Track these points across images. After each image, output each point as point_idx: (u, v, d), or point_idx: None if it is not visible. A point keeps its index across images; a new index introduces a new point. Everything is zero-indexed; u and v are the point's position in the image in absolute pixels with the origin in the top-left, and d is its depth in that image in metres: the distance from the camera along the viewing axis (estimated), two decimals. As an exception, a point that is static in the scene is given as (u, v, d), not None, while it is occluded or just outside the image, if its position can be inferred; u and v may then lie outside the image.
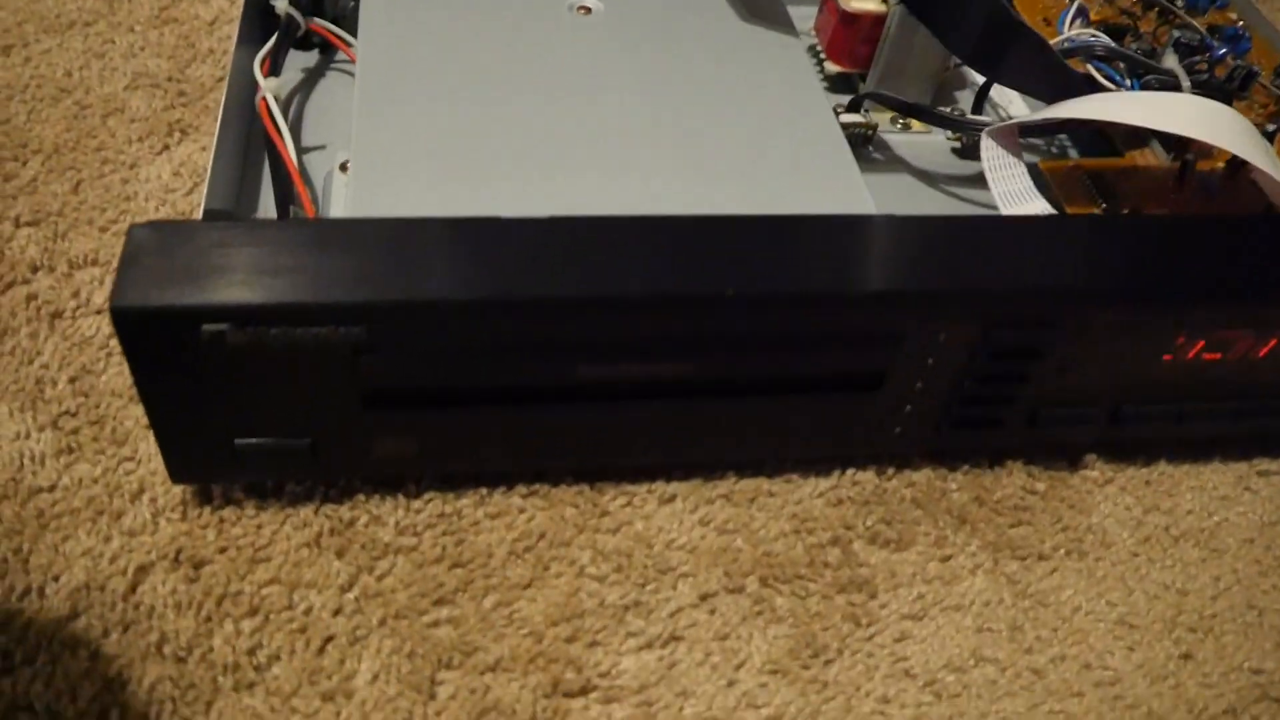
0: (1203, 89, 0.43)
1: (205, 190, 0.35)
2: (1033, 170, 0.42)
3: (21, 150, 0.43)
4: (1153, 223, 0.35)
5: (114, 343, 0.37)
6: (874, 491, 0.35)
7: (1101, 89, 0.41)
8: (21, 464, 0.33)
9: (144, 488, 0.33)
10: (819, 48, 0.48)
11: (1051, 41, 0.45)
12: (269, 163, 0.39)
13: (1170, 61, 0.43)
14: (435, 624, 0.31)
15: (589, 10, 0.40)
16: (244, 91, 0.41)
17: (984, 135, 0.38)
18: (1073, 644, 0.32)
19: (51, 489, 0.33)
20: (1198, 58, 0.44)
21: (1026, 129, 0.42)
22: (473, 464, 0.33)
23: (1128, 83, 0.43)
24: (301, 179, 0.38)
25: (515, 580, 0.32)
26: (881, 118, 0.45)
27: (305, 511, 0.32)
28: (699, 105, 0.37)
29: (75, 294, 0.38)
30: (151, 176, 0.42)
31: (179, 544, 0.31)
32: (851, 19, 0.44)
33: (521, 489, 0.34)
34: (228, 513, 0.32)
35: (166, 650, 0.29)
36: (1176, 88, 0.42)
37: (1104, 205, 0.40)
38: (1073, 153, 0.46)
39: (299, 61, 0.46)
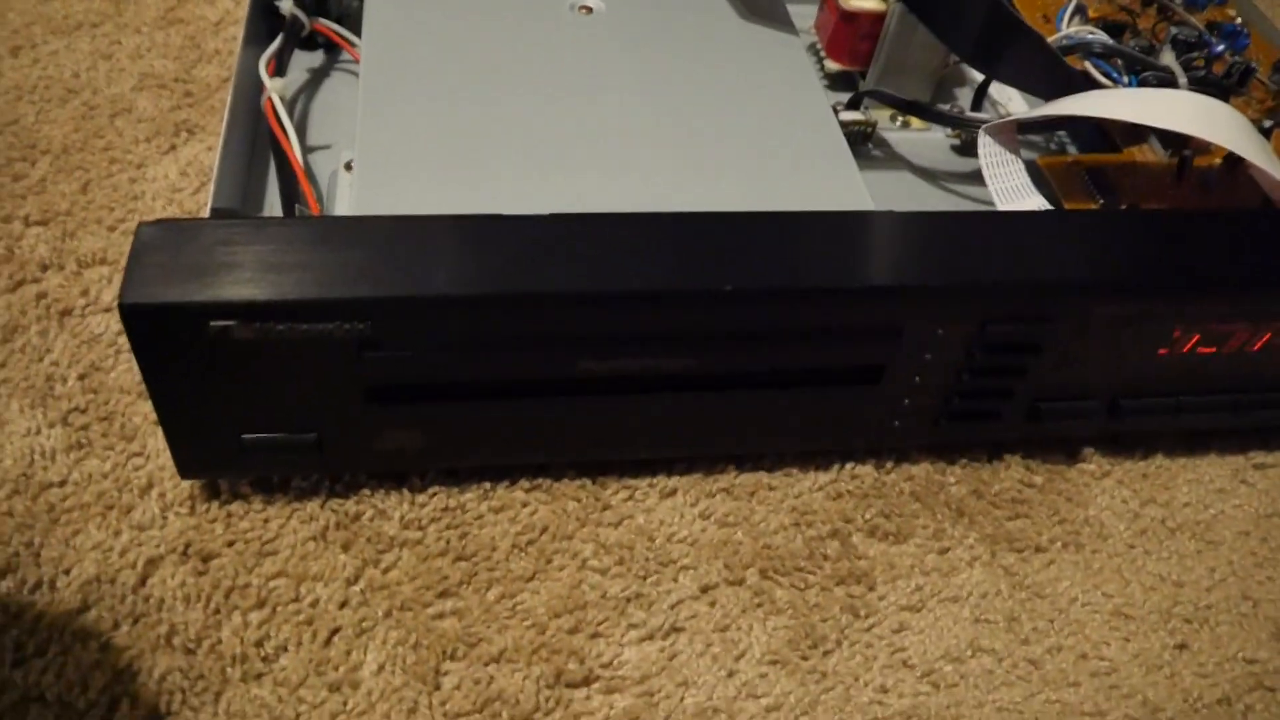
0: (1200, 85, 0.43)
1: (212, 189, 0.35)
2: (1031, 166, 0.42)
3: (30, 151, 0.43)
4: (1148, 218, 0.35)
5: (122, 340, 0.37)
6: (873, 485, 0.35)
7: (1099, 86, 0.41)
8: (32, 459, 0.34)
9: (153, 482, 0.33)
10: (819, 45, 0.48)
11: (1050, 38, 0.45)
12: (274, 162, 0.39)
13: (1168, 58, 0.44)
14: (440, 616, 0.31)
15: (590, 10, 0.41)
16: (250, 91, 0.41)
17: (981, 132, 0.39)
18: (1069, 635, 0.33)
19: (62, 484, 0.33)
20: (1195, 54, 0.44)
21: (1024, 126, 0.43)
22: (476, 457, 0.34)
23: (1125, 80, 0.43)
24: (307, 178, 0.38)
25: (518, 573, 0.32)
26: (881, 115, 0.45)
27: (311, 505, 0.33)
28: (699, 103, 0.37)
29: (84, 292, 0.39)
30: (159, 176, 0.43)
31: (187, 538, 0.32)
32: (851, 17, 0.45)
33: (524, 483, 0.34)
34: (235, 507, 0.33)
35: (176, 642, 0.30)
36: (1174, 84, 0.43)
37: (1102, 201, 0.41)
38: (1072, 149, 0.46)
39: (304, 61, 0.46)
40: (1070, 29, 0.45)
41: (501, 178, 0.34)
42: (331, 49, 0.47)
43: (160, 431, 0.34)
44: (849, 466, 0.36)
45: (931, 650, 0.32)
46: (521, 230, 0.30)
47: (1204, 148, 0.42)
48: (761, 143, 0.36)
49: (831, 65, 0.47)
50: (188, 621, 0.30)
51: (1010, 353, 0.33)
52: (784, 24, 0.42)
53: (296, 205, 0.36)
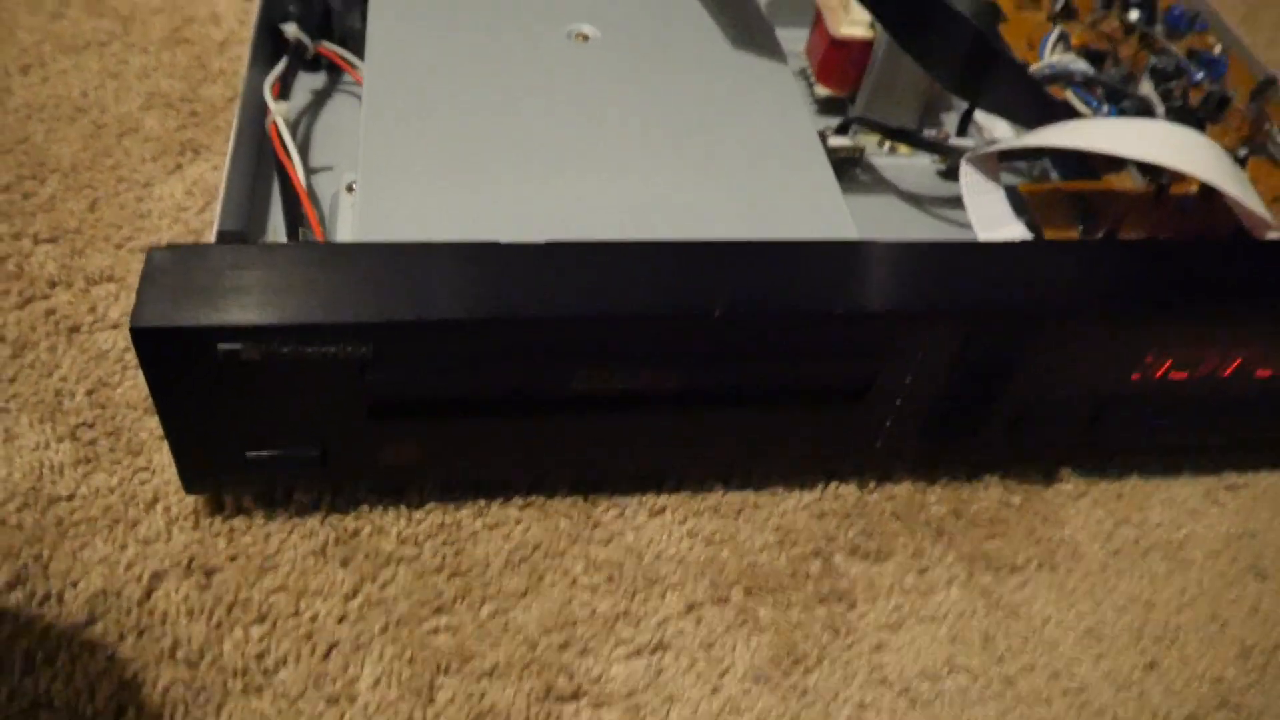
0: (1176, 115, 0.44)
1: (218, 211, 0.36)
2: (1013, 192, 0.43)
3: (40, 169, 0.44)
4: (1120, 248, 0.36)
5: (129, 356, 0.38)
6: (856, 504, 0.37)
7: (1079, 115, 0.43)
8: (42, 474, 0.35)
9: (158, 497, 0.34)
10: (809, 70, 0.49)
11: (1033, 66, 0.46)
12: (279, 184, 0.40)
13: (1146, 88, 0.45)
14: (434, 631, 0.32)
15: (586, 37, 0.42)
16: (255, 112, 0.42)
17: (963, 162, 0.40)
18: (1042, 654, 0.34)
19: (70, 498, 0.34)
20: (1173, 84, 0.46)
21: (1005, 155, 0.44)
22: (472, 472, 0.35)
23: (1105, 108, 0.44)
24: (310, 200, 0.40)
25: (511, 590, 0.33)
26: (869, 140, 0.46)
27: (312, 521, 0.34)
28: (690, 131, 0.39)
29: (92, 309, 0.40)
30: (165, 195, 0.44)
31: (191, 552, 0.33)
32: (841, 44, 0.46)
33: (518, 501, 0.35)
34: (238, 522, 0.34)
35: (179, 654, 0.31)
36: (1151, 114, 0.44)
37: (1082, 227, 0.42)
38: (1054, 174, 0.47)
39: (307, 82, 0.47)
40: (1053, 57, 0.46)
41: (499, 202, 0.35)
42: (334, 70, 0.48)
43: (165, 446, 0.35)
44: (833, 485, 0.37)
45: (909, 668, 0.33)
46: (517, 257, 0.31)
47: (1180, 175, 0.43)
48: (750, 170, 0.38)
49: (821, 90, 0.48)
50: (191, 635, 0.31)
51: (987, 376, 0.34)
52: (774, 52, 0.43)
53: (300, 229, 0.37)
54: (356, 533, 0.34)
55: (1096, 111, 0.44)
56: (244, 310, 0.29)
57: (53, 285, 0.40)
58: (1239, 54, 0.50)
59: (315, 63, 0.47)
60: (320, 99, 0.47)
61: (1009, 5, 0.51)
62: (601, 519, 0.35)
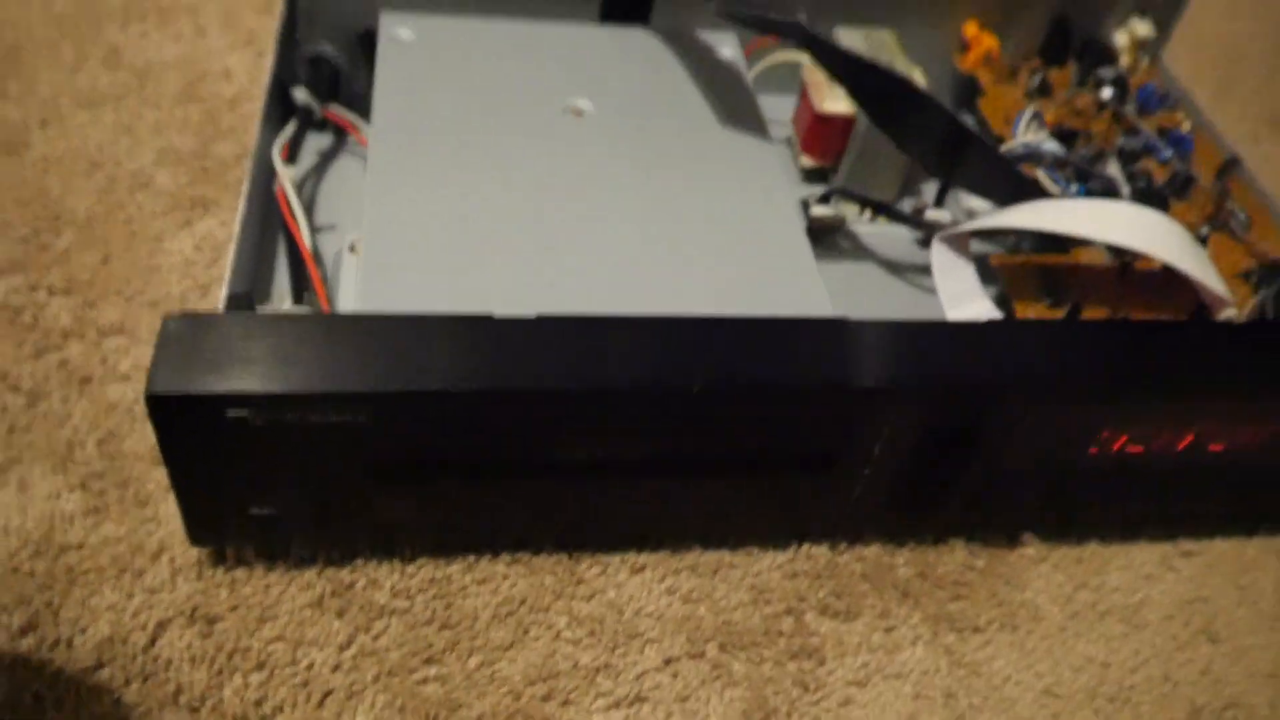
0: (1141, 194, 0.46)
1: (228, 275, 0.38)
2: (986, 264, 0.46)
3: (56, 221, 0.46)
4: (1079, 326, 0.38)
5: (138, 408, 0.40)
6: (827, 565, 0.38)
7: (1049, 194, 0.45)
8: (53, 522, 0.36)
9: (164, 548, 0.36)
10: (794, 140, 0.51)
11: (1007, 144, 0.49)
12: (285, 245, 0.42)
13: (1113, 168, 0.47)
14: (424, 681, 0.34)
15: (581, 113, 0.44)
16: (264, 174, 0.44)
17: (934, 241, 0.42)
18: (1001, 712, 0.36)
19: (80, 547, 0.36)
20: (1138, 164, 0.48)
21: (976, 232, 0.46)
22: (463, 530, 0.37)
23: (1073, 188, 0.46)
24: (315, 261, 0.42)
25: (498, 642, 0.35)
26: (850, 210, 0.49)
27: (309, 574, 0.36)
28: (677, 208, 0.41)
29: (103, 360, 0.42)
30: (175, 250, 0.46)
31: (195, 601, 0.35)
32: (824, 119, 0.48)
33: (506, 557, 0.37)
34: (239, 573, 0.36)
35: (182, 700, 0.33)
36: (1117, 194, 0.46)
37: (1049, 300, 0.44)
38: (1026, 244, 0.49)
39: (314, 142, 0.50)
40: (1026, 136, 0.48)
41: (494, 272, 0.37)
42: (340, 130, 0.50)
43: (171, 498, 0.37)
44: (805, 547, 0.39)
45: (873, 723, 0.35)
46: (508, 330, 0.33)
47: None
48: (733, 247, 0.40)
49: (806, 160, 0.50)
50: (193, 681, 0.33)
51: (951, 448, 0.36)
52: (760, 130, 0.45)
53: (305, 293, 0.39)
54: (352, 585, 0.36)
55: (1065, 191, 0.46)
56: (252, 379, 0.31)
57: (66, 337, 0.42)
58: (1206, 132, 0.52)
59: (323, 124, 0.49)
60: (326, 159, 0.49)
61: (988, 80, 0.53)
62: (585, 575, 0.37)
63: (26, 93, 0.52)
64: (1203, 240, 0.47)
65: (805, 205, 0.48)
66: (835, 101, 0.48)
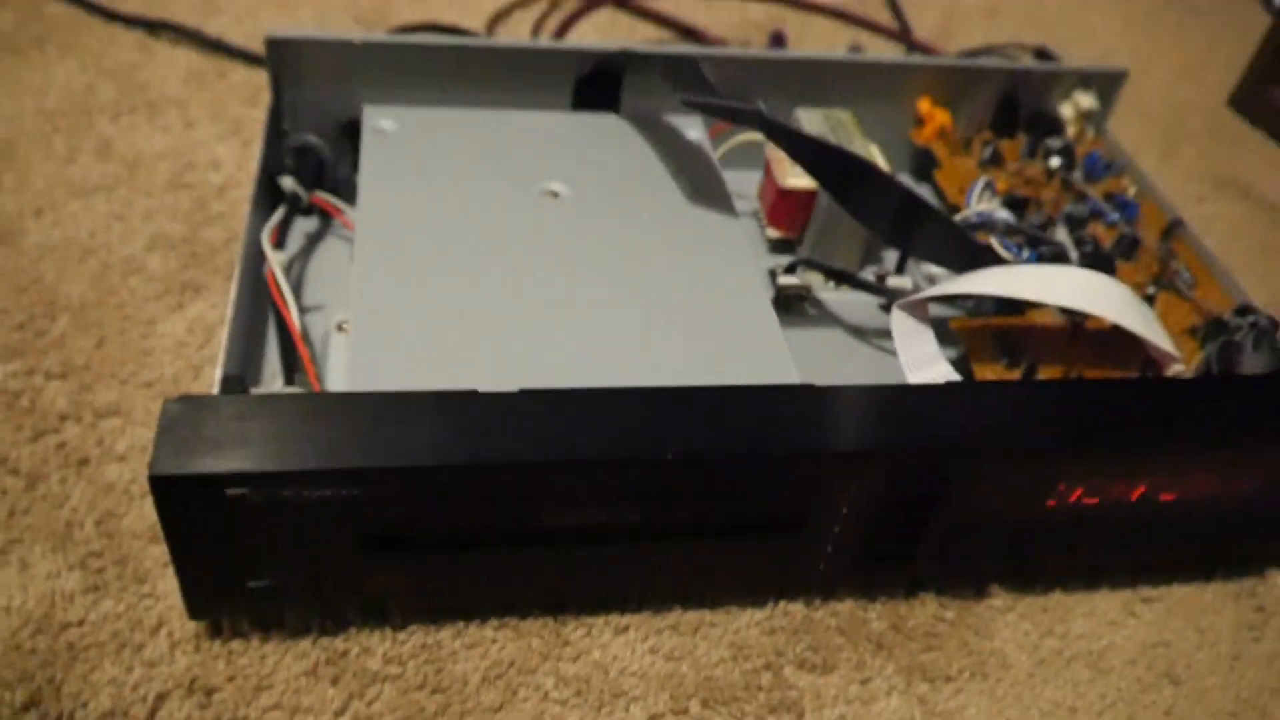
0: (1089, 258, 0.49)
1: (221, 357, 0.40)
2: (944, 327, 0.48)
3: (51, 307, 0.48)
4: (1034, 387, 0.41)
5: (134, 487, 0.41)
6: (803, 621, 0.40)
7: (1002, 260, 0.47)
8: (54, 601, 0.38)
9: (162, 622, 0.37)
10: (760, 213, 0.54)
11: (961, 213, 0.51)
12: (275, 327, 0.44)
13: (1061, 234, 0.50)
14: (417, 745, 0.35)
15: (556, 195, 0.47)
16: (253, 259, 0.46)
17: (894, 308, 0.44)
18: (973, 758, 0.37)
19: (80, 624, 0.37)
20: (1085, 229, 0.51)
21: (934, 299, 0.48)
22: (452, 597, 0.38)
23: (1025, 254, 0.49)
24: (304, 341, 0.43)
25: (487, 704, 0.36)
26: (815, 279, 0.51)
27: (304, 643, 0.37)
28: (649, 284, 0.43)
29: (99, 442, 0.43)
30: (167, 332, 0.48)
31: (193, 673, 0.36)
32: (788, 193, 0.51)
33: (494, 621, 0.38)
34: (236, 644, 0.37)
35: (183, 770, 0.34)
36: (1065, 259, 0.49)
37: (1007, 360, 0.46)
38: (987, 305, 0.52)
39: (301, 226, 0.52)
40: (979, 205, 0.51)
41: (477, 349, 0.39)
42: (326, 215, 0.52)
43: (168, 573, 0.38)
44: (782, 604, 0.40)
45: (851, 773, 0.36)
46: (492, 405, 0.35)
47: (1093, 314, 0.48)
48: (703, 319, 0.42)
49: (772, 232, 0.53)
50: (193, 752, 0.34)
51: (915, 506, 0.38)
52: (727, 207, 0.48)
53: (296, 374, 0.41)
54: (345, 653, 0.37)
55: (1017, 257, 0.49)
56: (249, 459, 0.32)
57: (63, 419, 0.44)
58: (1151, 195, 0.55)
59: (309, 209, 0.51)
60: (313, 241, 0.51)
61: (943, 153, 0.56)
62: (570, 637, 0.38)
63: (21, 184, 0.54)
64: (1150, 299, 0.49)
65: (773, 275, 0.50)
66: (797, 177, 0.50)
